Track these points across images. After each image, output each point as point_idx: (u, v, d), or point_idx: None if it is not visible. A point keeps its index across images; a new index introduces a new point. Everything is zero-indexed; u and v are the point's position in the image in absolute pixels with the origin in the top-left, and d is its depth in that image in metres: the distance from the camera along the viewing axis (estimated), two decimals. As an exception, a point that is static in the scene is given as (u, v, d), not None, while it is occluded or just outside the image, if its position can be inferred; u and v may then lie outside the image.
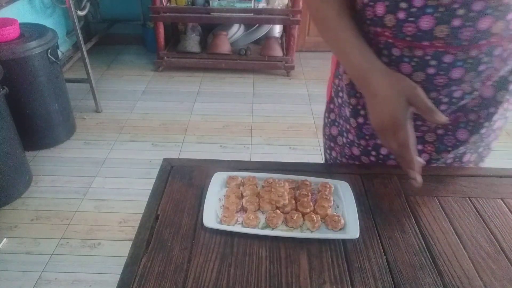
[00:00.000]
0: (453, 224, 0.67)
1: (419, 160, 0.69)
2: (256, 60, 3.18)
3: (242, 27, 3.28)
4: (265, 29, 3.25)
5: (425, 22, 0.65)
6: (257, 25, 3.25)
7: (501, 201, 0.73)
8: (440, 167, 0.82)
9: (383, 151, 0.84)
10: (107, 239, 1.76)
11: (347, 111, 0.85)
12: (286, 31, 3.30)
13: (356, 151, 0.87)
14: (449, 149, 0.80)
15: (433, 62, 0.68)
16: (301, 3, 2.97)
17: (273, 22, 3.12)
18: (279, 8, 3.02)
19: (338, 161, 0.95)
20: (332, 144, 0.95)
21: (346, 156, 0.91)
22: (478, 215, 0.69)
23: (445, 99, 0.73)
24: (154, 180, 0.76)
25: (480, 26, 0.64)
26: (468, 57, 0.67)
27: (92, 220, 1.85)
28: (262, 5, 3.01)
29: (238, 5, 2.95)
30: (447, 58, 0.67)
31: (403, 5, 0.66)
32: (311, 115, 2.73)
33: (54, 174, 2.12)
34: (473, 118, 0.76)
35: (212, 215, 0.67)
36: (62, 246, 1.72)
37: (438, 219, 0.68)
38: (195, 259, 0.60)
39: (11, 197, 1.93)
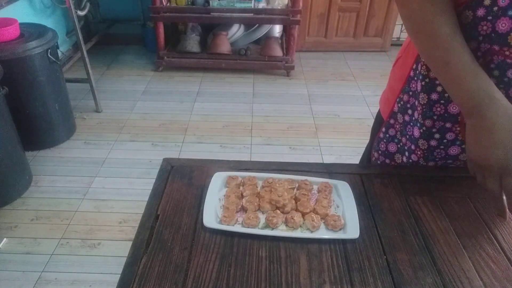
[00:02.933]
0: (453, 224, 0.67)
1: None
2: (256, 60, 3.18)
3: (242, 27, 3.28)
4: (265, 29, 3.25)
5: None
6: (257, 25, 3.25)
7: (501, 201, 0.73)
8: (440, 167, 0.82)
9: None
10: (107, 239, 1.76)
11: (415, 131, 0.80)
12: (286, 31, 3.29)
13: None
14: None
15: None
16: (301, 3, 2.97)
17: (273, 22, 3.12)
18: (279, 8, 3.02)
19: None
20: (387, 160, 0.91)
21: None
22: (478, 215, 0.69)
23: None
24: (154, 180, 0.76)
25: None
26: None
27: (92, 220, 1.85)
28: (262, 5, 3.01)
29: (238, 5, 2.95)
30: None
31: None
32: (311, 115, 2.73)
33: (54, 174, 2.12)
34: None
35: (212, 215, 0.67)
36: (62, 246, 1.72)
37: (438, 219, 0.68)
38: (195, 259, 0.60)
39: (11, 197, 1.93)
